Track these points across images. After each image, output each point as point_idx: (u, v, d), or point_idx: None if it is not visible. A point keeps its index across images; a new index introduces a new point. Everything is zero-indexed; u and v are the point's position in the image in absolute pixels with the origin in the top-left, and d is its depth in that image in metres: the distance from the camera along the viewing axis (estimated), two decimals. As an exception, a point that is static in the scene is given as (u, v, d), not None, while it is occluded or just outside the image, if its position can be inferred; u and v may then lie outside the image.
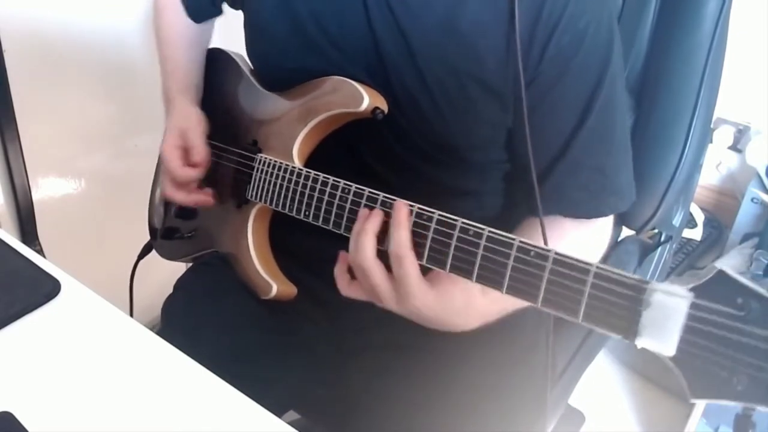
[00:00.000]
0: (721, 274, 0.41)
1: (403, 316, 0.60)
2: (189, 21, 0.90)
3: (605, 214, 0.69)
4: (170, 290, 0.89)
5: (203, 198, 0.82)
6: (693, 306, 0.41)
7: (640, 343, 0.43)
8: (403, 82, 0.68)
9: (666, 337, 0.42)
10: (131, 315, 0.87)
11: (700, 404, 1.33)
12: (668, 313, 0.42)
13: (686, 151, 0.88)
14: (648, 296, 0.43)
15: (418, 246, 0.56)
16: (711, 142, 1.62)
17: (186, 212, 0.90)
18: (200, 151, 0.79)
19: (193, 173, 0.80)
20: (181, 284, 0.89)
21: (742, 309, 0.40)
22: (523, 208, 0.70)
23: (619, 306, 0.44)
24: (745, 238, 1.61)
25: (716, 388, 0.41)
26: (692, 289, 0.42)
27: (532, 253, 0.49)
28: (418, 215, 0.56)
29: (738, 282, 0.40)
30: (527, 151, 0.65)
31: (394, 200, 0.58)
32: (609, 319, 0.45)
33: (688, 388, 0.42)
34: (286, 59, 0.75)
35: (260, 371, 0.76)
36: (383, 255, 0.58)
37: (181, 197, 0.81)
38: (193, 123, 0.82)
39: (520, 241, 0.50)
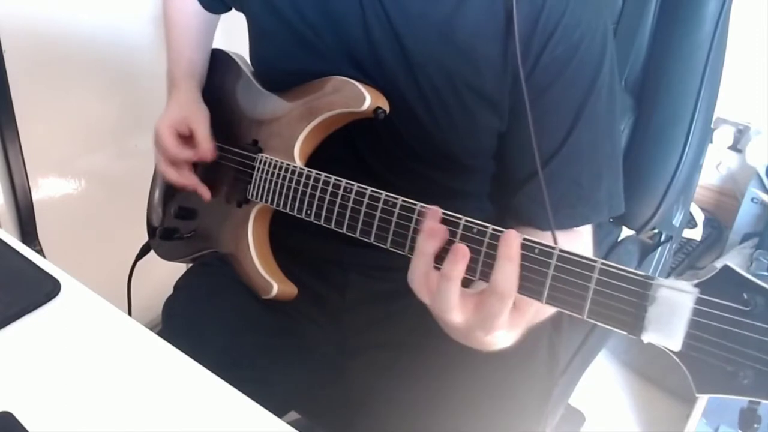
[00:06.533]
0: (726, 269, 0.41)
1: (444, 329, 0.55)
2: (199, 8, 0.90)
3: (577, 225, 0.68)
4: (169, 290, 0.88)
5: (196, 183, 0.82)
6: (698, 301, 0.41)
7: (646, 338, 0.43)
8: (399, 88, 0.68)
9: (672, 332, 0.42)
10: (129, 315, 0.87)
11: (700, 404, 1.33)
12: (674, 308, 0.42)
13: (686, 151, 0.88)
14: (654, 292, 0.43)
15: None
16: (711, 142, 1.62)
17: (185, 212, 0.90)
18: (206, 141, 0.80)
19: (188, 153, 0.80)
20: (181, 285, 0.89)
21: (748, 304, 0.40)
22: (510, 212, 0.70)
23: (625, 302, 0.44)
24: (745, 238, 1.61)
25: (722, 383, 0.41)
26: (698, 285, 0.42)
27: (536, 251, 0.48)
28: (420, 213, 0.55)
29: (743, 277, 0.40)
30: (514, 158, 0.68)
31: (415, 205, 0.55)
32: (614, 315, 0.45)
33: (694, 383, 0.42)
34: (285, 63, 0.76)
35: (261, 372, 0.76)
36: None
37: (173, 175, 0.81)
38: (198, 116, 0.82)
39: (524, 239, 0.49)
